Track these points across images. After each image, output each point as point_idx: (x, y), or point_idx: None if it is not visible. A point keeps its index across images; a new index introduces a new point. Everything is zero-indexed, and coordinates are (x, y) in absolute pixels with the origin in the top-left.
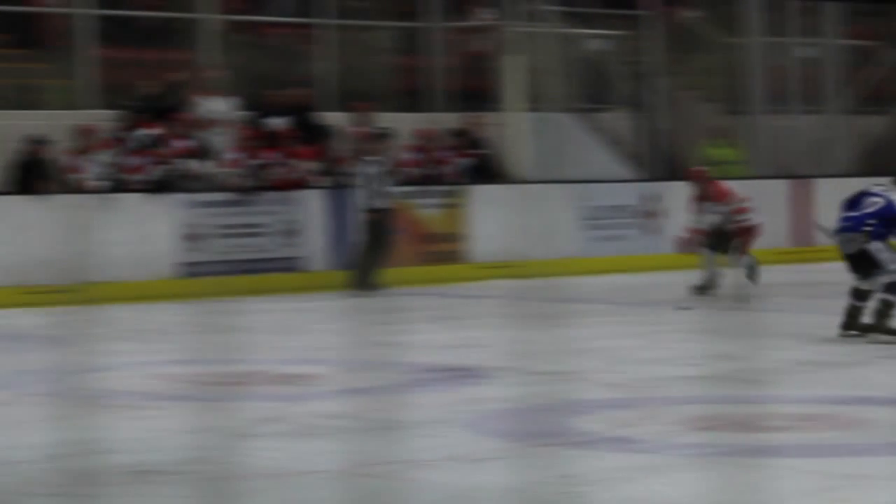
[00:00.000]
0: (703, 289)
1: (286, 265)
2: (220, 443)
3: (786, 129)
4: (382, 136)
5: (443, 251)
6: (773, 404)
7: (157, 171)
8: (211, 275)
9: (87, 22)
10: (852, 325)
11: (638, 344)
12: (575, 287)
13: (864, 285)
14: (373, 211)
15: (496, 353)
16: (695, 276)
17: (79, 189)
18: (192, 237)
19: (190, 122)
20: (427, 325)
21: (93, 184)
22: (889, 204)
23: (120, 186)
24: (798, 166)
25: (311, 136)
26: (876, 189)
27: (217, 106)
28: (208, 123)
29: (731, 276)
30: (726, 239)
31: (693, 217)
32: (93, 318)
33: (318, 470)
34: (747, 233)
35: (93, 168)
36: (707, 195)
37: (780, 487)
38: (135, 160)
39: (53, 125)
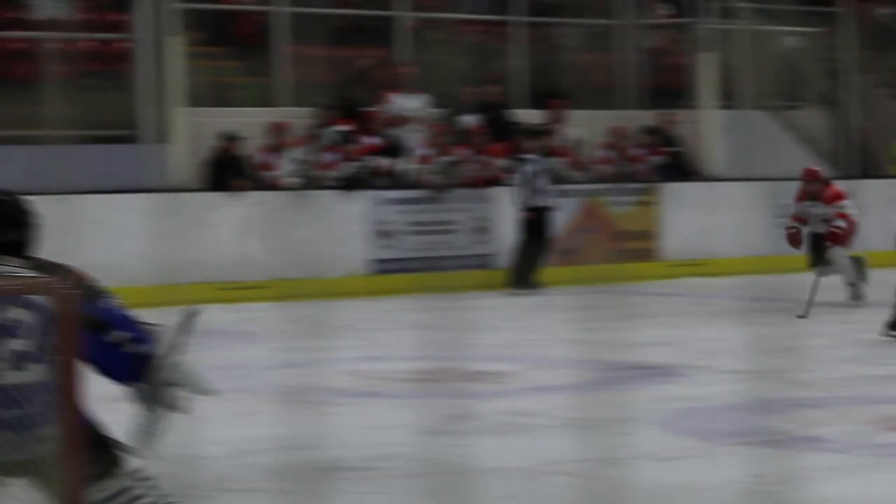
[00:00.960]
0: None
1: (477, 262)
2: (411, 440)
3: None
4: (539, 133)
5: (635, 249)
6: None
7: (349, 169)
8: (402, 272)
9: (282, 20)
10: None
11: (826, 343)
12: (765, 285)
13: None
14: (531, 209)
15: (688, 351)
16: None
17: (272, 186)
18: (383, 234)
19: (383, 119)
20: (618, 322)
21: (286, 181)
22: None
23: (312, 183)
24: None
25: (503, 133)
26: None
27: (410, 103)
28: (401, 120)
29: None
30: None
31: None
32: (285, 314)
33: (508, 467)
34: (839, 237)
35: (286, 165)
36: (817, 195)
37: None
38: (327, 157)
39: (248, 122)
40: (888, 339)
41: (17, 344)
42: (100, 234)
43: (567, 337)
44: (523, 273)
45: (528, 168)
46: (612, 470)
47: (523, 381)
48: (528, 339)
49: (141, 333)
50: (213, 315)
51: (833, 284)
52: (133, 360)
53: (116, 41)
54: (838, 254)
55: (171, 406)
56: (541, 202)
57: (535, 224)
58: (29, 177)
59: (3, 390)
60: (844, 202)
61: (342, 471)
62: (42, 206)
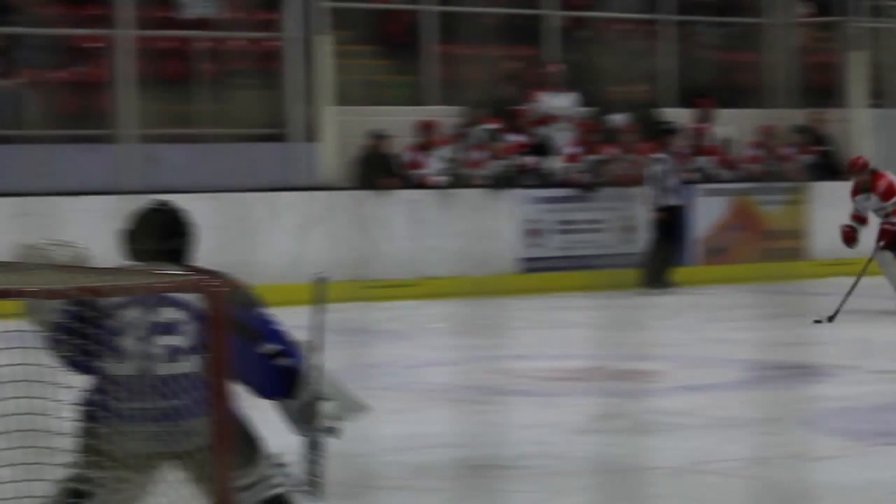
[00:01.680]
0: None
1: (624, 261)
2: (559, 438)
3: None
4: (669, 131)
5: (784, 248)
6: None
7: (497, 167)
8: (550, 270)
9: (430, 19)
10: None
11: None
12: None
13: None
14: (662, 209)
15: (837, 351)
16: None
17: (420, 185)
18: (532, 233)
19: (531, 117)
20: (767, 321)
21: (434, 179)
22: None
23: (460, 182)
24: None
25: (652, 132)
26: None
27: (558, 101)
28: (549, 119)
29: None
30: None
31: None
32: (433, 313)
33: (657, 466)
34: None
35: (434, 163)
36: (869, 187)
37: None
38: (475, 156)
39: (396, 121)
40: None
41: (173, 340)
42: (251, 232)
43: (716, 336)
44: (656, 272)
45: (659, 167)
46: (761, 469)
47: (672, 380)
48: (677, 337)
49: (290, 347)
50: (362, 313)
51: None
52: (282, 373)
53: (266, 40)
54: (885, 258)
55: (320, 422)
56: (672, 201)
57: (667, 223)
58: (181, 175)
59: (159, 382)
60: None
61: (491, 468)
62: (195, 205)
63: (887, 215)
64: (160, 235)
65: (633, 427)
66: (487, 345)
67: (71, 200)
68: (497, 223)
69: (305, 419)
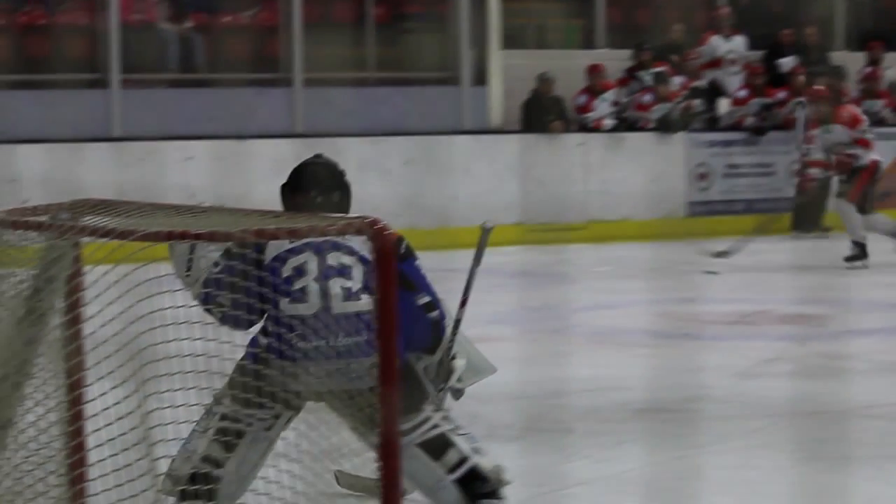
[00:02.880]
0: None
1: (791, 205)
2: (724, 382)
3: None
4: (835, 74)
5: None
6: None
7: (665, 110)
8: (718, 214)
9: None
10: None
11: None
12: None
13: None
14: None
15: None
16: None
17: (588, 128)
18: (699, 176)
19: (699, 60)
20: None
21: (602, 123)
22: None
23: (628, 125)
24: None
25: (819, 75)
26: None
27: (727, 45)
28: (717, 62)
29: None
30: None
31: (806, 147)
32: (600, 256)
33: (821, 410)
34: (866, 175)
35: (602, 107)
36: (831, 118)
37: None
38: (644, 99)
39: (565, 64)
40: None
41: (345, 282)
42: (419, 176)
43: (885, 280)
44: (808, 216)
45: (805, 111)
46: None
47: (839, 324)
48: (844, 282)
49: (438, 301)
50: (525, 256)
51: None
52: (431, 327)
53: None
54: (843, 206)
55: (452, 380)
56: None
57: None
58: (347, 118)
59: (336, 320)
60: (865, 127)
61: (656, 412)
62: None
63: (848, 145)
64: (320, 189)
65: (799, 371)
66: (654, 288)
67: (248, 144)
68: (664, 167)
69: (440, 376)
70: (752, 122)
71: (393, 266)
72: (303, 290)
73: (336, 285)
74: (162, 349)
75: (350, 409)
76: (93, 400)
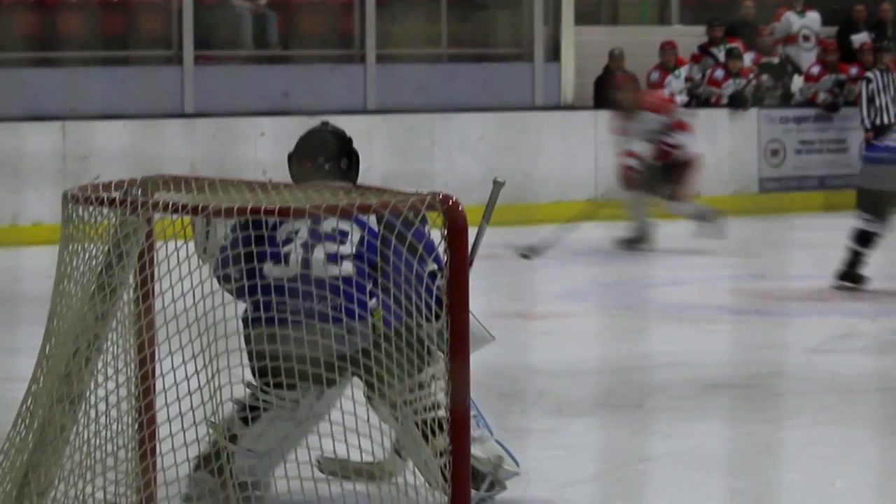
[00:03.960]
0: (633, 242)
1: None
2: (794, 358)
3: None
4: (883, 50)
5: None
6: None
7: (738, 86)
8: (791, 190)
9: None
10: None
11: None
12: None
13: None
14: (871, 129)
15: None
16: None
17: None
18: (774, 152)
19: (773, 36)
20: None
21: (674, 98)
22: None
23: (701, 101)
24: None
25: (890, 51)
26: None
27: (801, 20)
28: (791, 38)
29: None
30: (662, 176)
31: (622, 139)
32: (667, 232)
33: (894, 387)
34: (685, 167)
35: (675, 83)
36: (638, 105)
37: None
38: (717, 75)
39: (638, 41)
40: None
41: (333, 248)
42: (491, 151)
43: None
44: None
45: (871, 86)
46: None
47: None
48: None
49: (444, 268)
50: (597, 232)
51: None
52: (434, 294)
53: None
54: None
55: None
56: (886, 119)
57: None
58: (420, 94)
59: (316, 284)
60: (676, 110)
61: (724, 388)
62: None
63: (662, 133)
64: (328, 155)
65: (871, 347)
66: (724, 264)
67: (337, 119)
68: (737, 143)
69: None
70: (825, 99)
71: (465, 240)
72: (286, 254)
73: (321, 251)
74: (233, 325)
75: (347, 379)
76: (164, 375)
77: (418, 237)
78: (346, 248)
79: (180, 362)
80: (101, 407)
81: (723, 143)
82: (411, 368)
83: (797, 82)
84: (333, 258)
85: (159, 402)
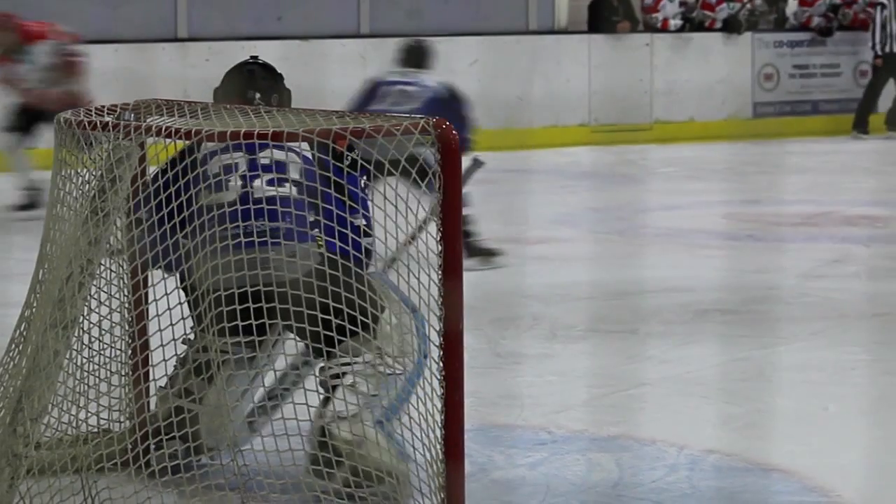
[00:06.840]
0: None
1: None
2: (787, 282)
3: None
4: None
5: None
6: None
7: (732, 10)
8: (783, 115)
9: None
10: None
11: None
12: None
13: None
14: (880, 55)
15: None
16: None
17: (655, 28)
18: (766, 77)
19: None
20: None
21: (669, 23)
22: None
23: (695, 25)
24: None
25: None
26: None
27: None
28: None
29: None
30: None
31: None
32: (663, 157)
33: (886, 312)
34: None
35: (669, 7)
36: (20, 41)
37: None
38: None
39: None
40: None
41: (273, 175)
42: (484, 76)
43: None
44: (867, 117)
45: (885, 13)
46: None
47: None
48: None
49: (372, 227)
50: (588, 157)
51: None
52: (361, 250)
53: None
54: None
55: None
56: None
57: (883, 70)
58: (413, 19)
59: (256, 204)
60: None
61: (717, 313)
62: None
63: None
64: (257, 89)
65: (863, 272)
66: (718, 189)
67: (315, 44)
68: (731, 67)
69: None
70: (819, 23)
71: (458, 163)
72: (225, 181)
73: (262, 179)
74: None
75: (291, 307)
76: (157, 300)
77: (353, 186)
78: (283, 174)
79: (174, 287)
80: (95, 332)
81: (716, 68)
82: (363, 303)
83: (791, 6)
84: (273, 182)
85: (152, 327)
